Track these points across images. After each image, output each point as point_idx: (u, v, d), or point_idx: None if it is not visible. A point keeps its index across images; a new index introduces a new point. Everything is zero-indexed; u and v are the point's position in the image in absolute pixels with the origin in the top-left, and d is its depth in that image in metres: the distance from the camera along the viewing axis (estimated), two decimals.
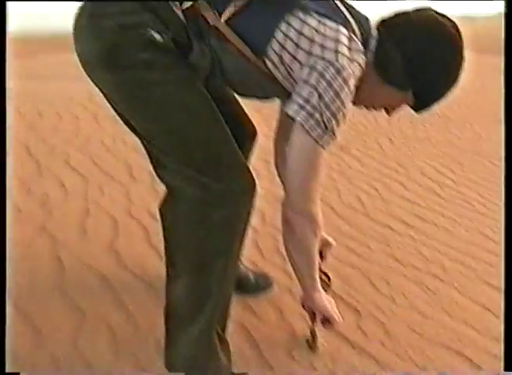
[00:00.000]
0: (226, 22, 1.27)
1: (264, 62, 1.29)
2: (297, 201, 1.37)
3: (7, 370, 1.12)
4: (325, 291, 1.69)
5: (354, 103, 1.39)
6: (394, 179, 3.57)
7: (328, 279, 1.82)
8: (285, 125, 1.70)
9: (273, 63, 1.29)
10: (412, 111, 1.45)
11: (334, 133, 1.29)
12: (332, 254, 2.40)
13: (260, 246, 2.48)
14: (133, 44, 1.23)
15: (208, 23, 1.27)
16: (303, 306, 1.66)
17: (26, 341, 1.75)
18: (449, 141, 4.61)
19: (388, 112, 1.48)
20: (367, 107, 1.47)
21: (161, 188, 1.41)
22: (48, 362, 1.67)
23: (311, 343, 1.81)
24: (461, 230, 2.80)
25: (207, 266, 1.35)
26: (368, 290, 2.20)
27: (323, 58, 1.23)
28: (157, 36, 1.23)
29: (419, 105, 1.40)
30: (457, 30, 1.30)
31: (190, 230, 1.34)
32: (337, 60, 1.23)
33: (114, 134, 3.95)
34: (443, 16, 1.32)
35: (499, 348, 1.87)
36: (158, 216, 1.43)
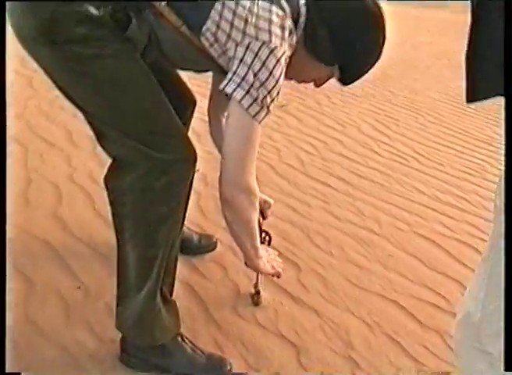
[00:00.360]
0: None
1: (201, 41, 1.33)
2: (234, 175, 1.41)
3: (7, 370, 1.15)
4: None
5: (285, 77, 1.45)
6: (332, 137, 3.66)
7: (270, 238, 1.90)
8: (218, 96, 1.72)
9: (209, 42, 1.33)
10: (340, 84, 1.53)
11: (269, 109, 1.35)
12: (273, 212, 2.48)
13: (202, 207, 2.54)
14: (69, 19, 1.24)
15: None
16: (246, 265, 1.74)
17: None
18: (386, 97, 4.73)
19: (317, 85, 1.56)
20: (297, 81, 1.54)
21: (103, 153, 1.44)
22: None
23: (255, 299, 1.91)
24: (396, 186, 2.94)
25: (152, 232, 1.40)
26: (307, 245, 2.30)
27: (257, 39, 1.28)
28: (93, 11, 1.24)
29: (345, 79, 1.50)
30: (379, 8, 1.38)
31: (135, 199, 1.38)
32: (270, 40, 1.28)
33: (51, 100, 3.87)
34: None
35: (429, 295, 2.02)
36: (100, 182, 1.45)
